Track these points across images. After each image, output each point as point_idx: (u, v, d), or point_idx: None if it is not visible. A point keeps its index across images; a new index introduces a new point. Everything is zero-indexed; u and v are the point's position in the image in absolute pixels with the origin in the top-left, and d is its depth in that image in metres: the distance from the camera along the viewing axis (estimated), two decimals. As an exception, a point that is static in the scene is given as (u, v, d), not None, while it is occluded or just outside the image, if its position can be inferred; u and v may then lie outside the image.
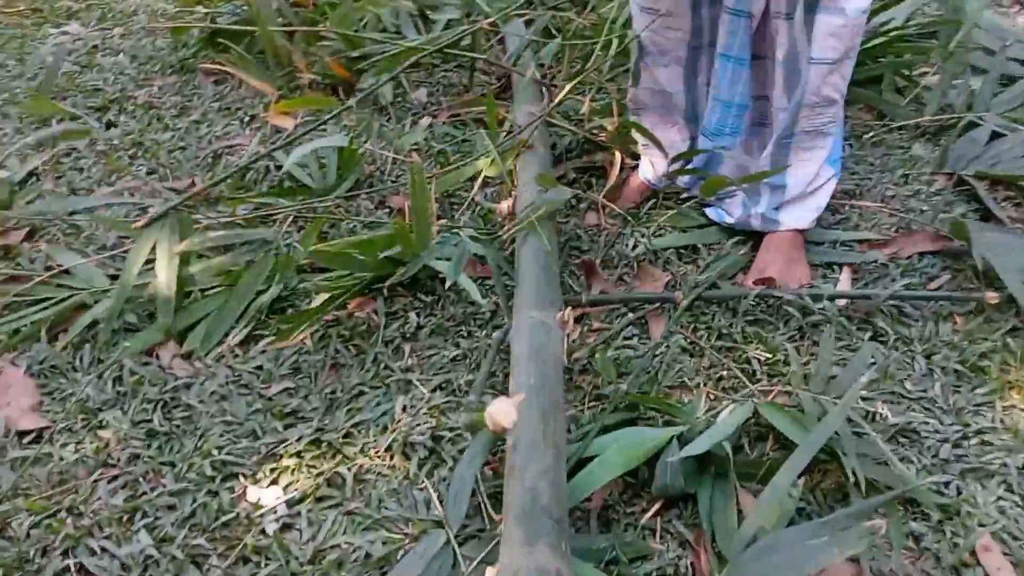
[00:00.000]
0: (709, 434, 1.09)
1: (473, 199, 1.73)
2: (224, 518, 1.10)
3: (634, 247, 1.62)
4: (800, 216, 1.55)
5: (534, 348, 1.12)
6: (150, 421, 1.25)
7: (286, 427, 1.23)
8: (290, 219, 1.66)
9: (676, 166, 1.64)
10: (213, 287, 1.46)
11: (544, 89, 1.96)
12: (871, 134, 1.94)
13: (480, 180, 1.74)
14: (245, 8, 2.36)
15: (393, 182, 1.82)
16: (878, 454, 1.13)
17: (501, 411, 1.00)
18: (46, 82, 2.23)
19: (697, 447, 1.06)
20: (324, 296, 1.41)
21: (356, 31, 2.23)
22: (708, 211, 1.67)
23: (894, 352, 1.36)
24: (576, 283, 1.52)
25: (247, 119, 2.11)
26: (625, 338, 1.39)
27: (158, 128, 2.07)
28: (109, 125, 2.10)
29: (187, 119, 2.10)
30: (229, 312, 1.38)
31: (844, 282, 1.51)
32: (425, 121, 2.02)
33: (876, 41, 2.05)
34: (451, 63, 2.36)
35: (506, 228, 1.53)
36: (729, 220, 1.61)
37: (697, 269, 1.55)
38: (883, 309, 1.43)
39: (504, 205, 1.54)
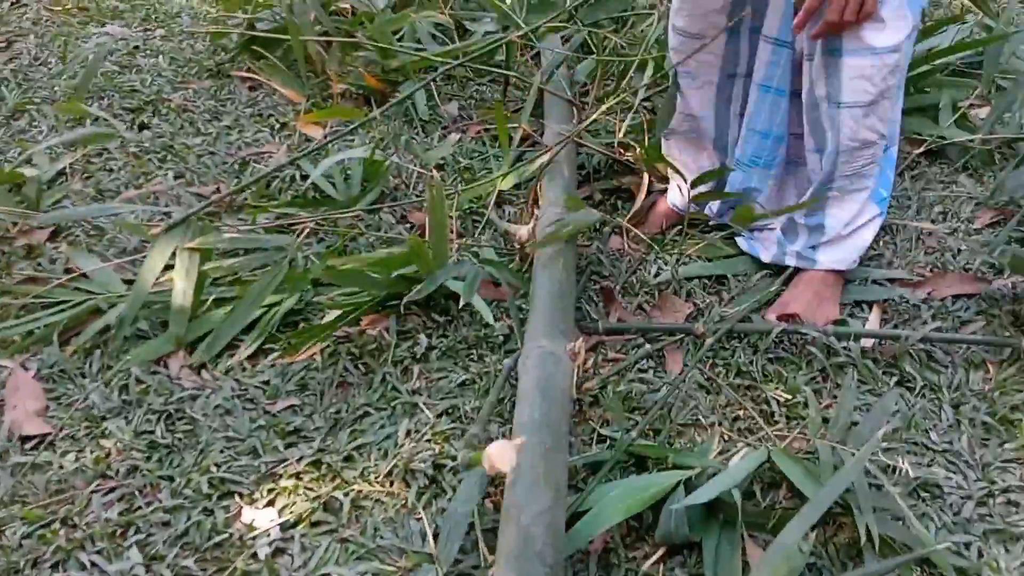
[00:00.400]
0: (718, 480, 1.04)
1: (488, 217, 1.70)
2: (217, 538, 1.08)
3: (656, 274, 1.58)
4: (840, 258, 1.49)
5: (541, 380, 1.09)
6: (152, 432, 1.24)
7: (287, 446, 1.21)
8: (308, 230, 1.65)
9: (703, 188, 1.59)
10: (225, 297, 1.45)
11: (575, 108, 1.93)
12: (912, 168, 1.87)
13: (494, 196, 1.72)
14: (284, 15, 2.37)
15: (417, 196, 1.80)
16: (896, 509, 1.08)
17: (500, 454, 0.97)
18: (83, 82, 2.25)
19: (704, 494, 1.02)
20: (336, 312, 1.40)
21: (391, 43, 2.22)
22: (740, 241, 1.62)
23: (920, 400, 1.30)
24: (594, 310, 1.48)
25: (278, 127, 2.11)
26: (640, 370, 1.35)
27: (190, 132, 2.08)
28: (142, 127, 2.11)
29: (219, 124, 2.11)
30: (236, 320, 1.37)
31: (873, 322, 1.45)
32: (454, 136, 2.00)
33: (921, 69, 1.99)
34: (484, 77, 2.34)
35: (525, 246, 1.49)
36: (764, 257, 1.56)
37: (721, 301, 1.51)
38: (912, 353, 1.37)
39: (523, 230, 1.51)
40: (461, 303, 1.33)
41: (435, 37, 2.34)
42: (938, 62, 2.02)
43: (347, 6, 2.49)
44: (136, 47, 2.55)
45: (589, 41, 2.24)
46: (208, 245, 1.42)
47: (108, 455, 1.20)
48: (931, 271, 1.58)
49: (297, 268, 1.51)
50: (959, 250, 1.64)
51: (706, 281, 1.57)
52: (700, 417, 1.27)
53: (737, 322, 1.39)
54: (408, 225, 1.72)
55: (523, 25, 2.09)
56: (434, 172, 1.33)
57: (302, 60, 2.21)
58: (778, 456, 1.09)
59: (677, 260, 1.60)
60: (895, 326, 1.45)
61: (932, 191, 1.82)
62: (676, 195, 1.68)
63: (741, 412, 1.28)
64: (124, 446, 1.21)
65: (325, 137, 1.99)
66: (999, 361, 1.37)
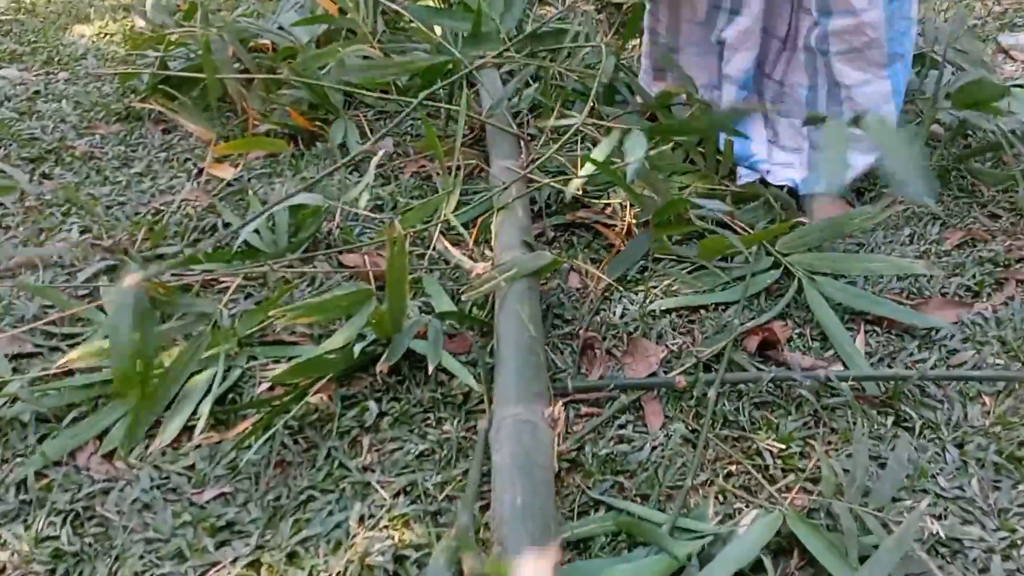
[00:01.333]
0: (733, 551, 0.91)
1: (434, 248, 1.56)
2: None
3: (622, 315, 1.45)
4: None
5: (519, 456, 0.95)
6: (57, 538, 1.04)
7: (219, 545, 1.03)
8: (235, 286, 1.48)
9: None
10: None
11: (522, 141, 1.81)
12: (870, 190, 1.80)
13: (439, 227, 1.58)
14: (199, 52, 2.20)
15: (346, 241, 1.64)
16: (921, 569, 0.96)
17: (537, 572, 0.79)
18: (-25, 131, 2.05)
19: (722, 570, 0.88)
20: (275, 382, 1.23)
21: (318, 78, 2.07)
22: (743, 172, 1.72)
23: (921, 440, 1.20)
24: (560, 358, 1.35)
25: (195, 171, 1.93)
26: (619, 425, 1.22)
27: (96, 181, 1.88)
28: (44, 178, 1.91)
29: (129, 171, 1.92)
30: (157, 401, 1.19)
31: (859, 349, 1.35)
32: (375, 159, 1.82)
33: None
34: (419, 110, 2.21)
35: (471, 290, 1.34)
36: (798, 180, 1.69)
37: (694, 341, 1.39)
38: (904, 389, 1.27)
39: (480, 266, 1.37)
40: (430, 368, 1.18)
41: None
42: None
43: (267, 42, 2.33)
44: (37, 92, 2.34)
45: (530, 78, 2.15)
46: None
47: (3, 570, 1.01)
48: (907, 296, 1.49)
49: (222, 330, 1.33)
50: (930, 276, 1.56)
51: (676, 319, 1.45)
52: (690, 477, 1.13)
53: (724, 372, 1.27)
54: (346, 273, 1.56)
55: (461, 57, 1.97)
56: (395, 221, 1.18)
57: (215, 100, 2.04)
58: (794, 522, 0.97)
59: (645, 299, 1.48)
60: (881, 359, 1.35)
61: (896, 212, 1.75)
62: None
63: (733, 467, 1.16)
64: (22, 557, 1.02)
65: (238, 178, 1.83)
66: (995, 393, 1.28)
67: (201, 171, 1.91)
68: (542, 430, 1.01)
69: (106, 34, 2.83)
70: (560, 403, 1.10)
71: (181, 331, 1.30)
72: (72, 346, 1.37)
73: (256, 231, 1.60)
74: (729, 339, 1.33)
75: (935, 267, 1.49)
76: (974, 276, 1.53)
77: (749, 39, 1.69)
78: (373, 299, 1.34)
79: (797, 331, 1.42)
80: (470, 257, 1.54)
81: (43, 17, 2.97)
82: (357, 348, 1.22)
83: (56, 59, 2.61)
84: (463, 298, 1.35)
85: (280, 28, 2.33)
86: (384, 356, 1.20)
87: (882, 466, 1.13)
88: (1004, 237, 1.65)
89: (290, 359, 1.32)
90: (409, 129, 2.12)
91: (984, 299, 1.49)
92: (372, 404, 1.22)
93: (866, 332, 1.40)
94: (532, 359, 1.11)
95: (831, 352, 1.36)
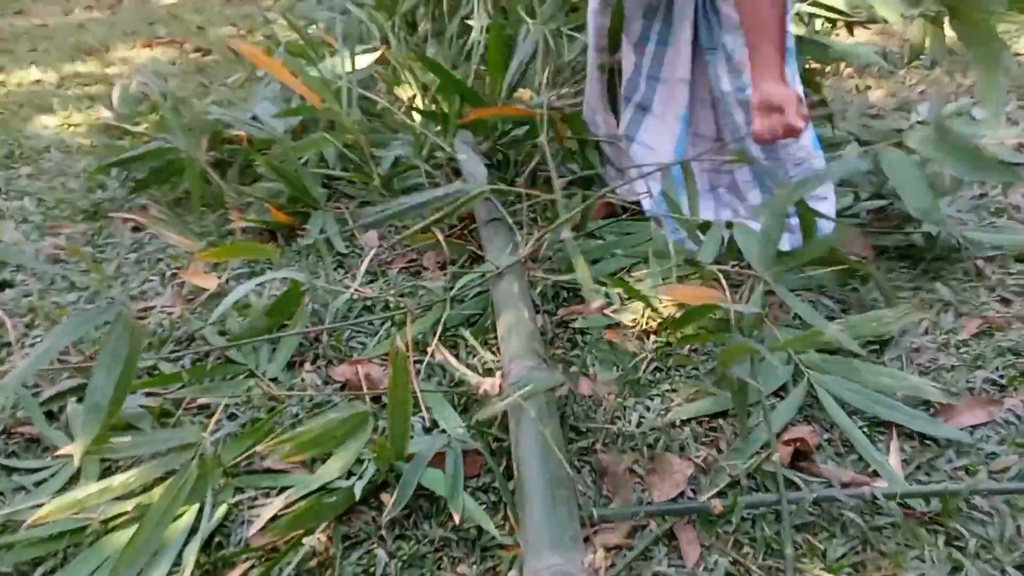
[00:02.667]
0: None
1: (432, 354, 1.46)
2: None
3: (639, 423, 1.36)
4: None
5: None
6: None
7: None
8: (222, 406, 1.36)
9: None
10: (118, 516, 1.13)
11: (512, 229, 1.73)
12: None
13: (439, 334, 1.48)
14: (169, 140, 2.10)
15: (336, 349, 1.54)
16: None
17: None
18: (-71, 236, 1.92)
19: None
20: (266, 524, 1.10)
21: (298, 170, 1.99)
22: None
23: (977, 562, 1.11)
24: (578, 478, 1.24)
25: (169, 274, 1.82)
26: (651, 557, 1.11)
27: (62, 288, 1.76)
28: (4, 285, 1.79)
29: (97, 276, 1.80)
30: (135, 554, 1.05)
31: (894, 461, 1.26)
32: (365, 261, 1.72)
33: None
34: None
35: (484, 409, 1.24)
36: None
37: (720, 454, 1.29)
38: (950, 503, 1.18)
39: (487, 383, 1.27)
40: (456, 518, 1.08)
41: (342, 163, 2.13)
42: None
43: (241, 133, 2.25)
44: (-3, 189, 2.23)
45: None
46: (92, 452, 1.11)
47: None
48: (932, 394, 1.42)
49: (207, 460, 1.21)
50: (952, 367, 1.49)
51: (696, 427, 1.36)
52: (737, 618, 1.02)
53: (761, 493, 1.17)
54: (337, 385, 1.45)
55: (449, 151, 1.90)
56: (398, 340, 1.07)
57: (197, 206, 1.94)
58: None
59: (661, 405, 1.38)
60: (918, 467, 1.26)
61: (904, 299, 1.69)
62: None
63: (783, 604, 1.05)
64: None
65: (228, 281, 1.72)
66: (1046, 502, 1.20)
67: (175, 275, 1.80)
68: (585, 586, 0.89)
69: (70, 125, 2.73)
70: (601, 551, 0.99)
71: (164, 467, 1.17)
72: (39, 484, 1.23)
73: (238, 348, 1.48)
74: (761, 458, 1.23)
75: (947, 393, 1.41)
76: (997, 368, 1.47)
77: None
78: (370, 421, 1.23)
79: (825, 436, 1.33)
80: (468, 366, 1.44)
81: (3, 107, 2.87)
82: (358, 487, 1.11)
83: (18, 152, 2.51)
84: (475, 419, 1.24)
85: (254, 118, 2.26)
86: (393, 501, 1.08)
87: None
88: (1020, 324, 1.59)
89: (281, 490, 1.20)
90: (394, 220, 2.04)
91: (1013, 394, 1.42)
92: (381, 554, 1.09)
93: (898, 436, 1.32)
94: (563, 494, 0.99)
95: (863, 463, 1.27)
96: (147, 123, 2.53)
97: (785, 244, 1.68)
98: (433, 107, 2.20)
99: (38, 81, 3.29)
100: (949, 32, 2.96)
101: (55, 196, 2.17)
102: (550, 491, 0.99)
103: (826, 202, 1.74)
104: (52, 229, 2.01)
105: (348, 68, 2.15)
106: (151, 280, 1.79)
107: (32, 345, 1.56)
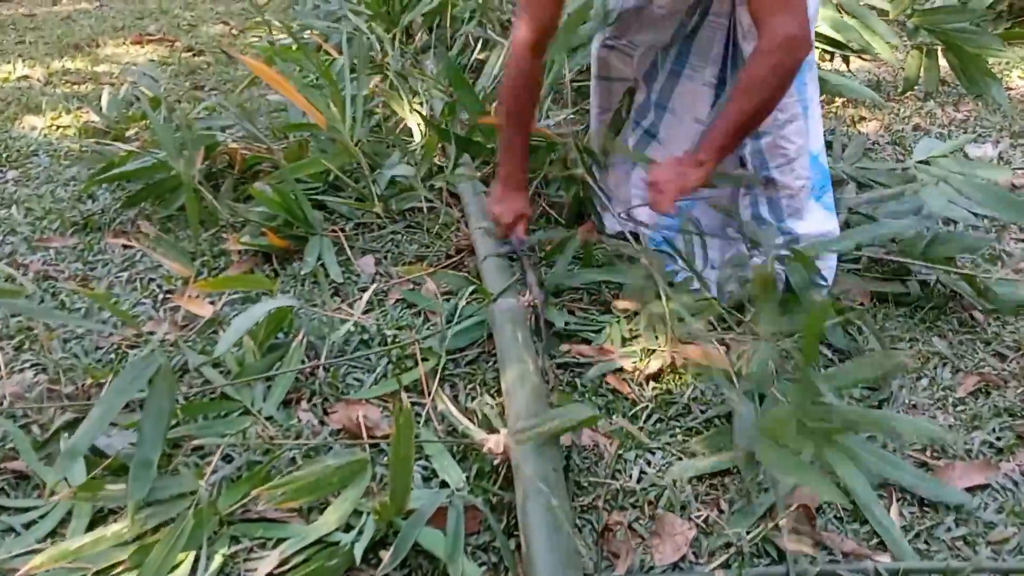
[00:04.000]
0: None
1: (433, 401, 1.44)
2: None
3: (639, 478, 1.35)
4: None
5: None
6: None
7: None
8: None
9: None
10: (114, 567, 1.10)
11: (514, 262, 1.72)
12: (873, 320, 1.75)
13: (436, 382, 1.47)
14: (160, 152, 2.06)
15: (333, 386, 1.52)
16: None
17: None
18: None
19: None
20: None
21: (295, 190, 1.96)
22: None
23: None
24: (579, 538, 1.23)
25: (161, 296, 1.78)
26: (654, 626, 1.10)
27: (52, 307, 1.72)
28: (-10, 304, 1.74)
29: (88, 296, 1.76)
30: (134, 615, 1.03)
31: (895, 529, 1.27)
32: (366, 295, 1.70)
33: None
34: (400, 224, 2.11)
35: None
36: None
37: (722, 514, 1.29)
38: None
39: (492, 440, 1.25)
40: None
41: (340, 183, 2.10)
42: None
43: (235, 146, 2.22)
44: (-17, 195, 2.18)
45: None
46: (85, 502, 1.08)
47: None
48: (931, 454, 1.42)
49: (203, 509, 1.18)
50: (949, 426, 1.50)
51: (698, 486, 1.35)
52: None
53: (761, 556, 1.17)
54: (336, 431, 1.43)
55: (452, 179, 1.89)
56: (402, 396, 1.06)
57: (196, 230, 1.90)
58: None
59: (662, 460, 1.38)
60: (917, 535, 1.27)
61: (901, 351, 1.70)
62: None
63: None
64: None
65: (222, 308, 1.69)
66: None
67: (168, 298, 1.77)
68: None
69: (59, 127, 2.68)
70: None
71: (159, 517, 1.15)
72: (28, 526, 1.20)
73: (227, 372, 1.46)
74: (767, 529, 1.23)
75: (956, 433, 1.42)
76: (994, 431, 1.48)
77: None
78: (368, 468, 1.21)
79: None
80: (468, 410, 1.42)
81: (-11, 107, 2.81)
82: (358, 549, 1.09)
83: (4, 155, 2.45)
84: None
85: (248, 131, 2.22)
86: (387, 558, 1.06)
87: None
88: (1016, 383, 1.60)
89: (277, 542, 1.18)
90: (391, 246, 2.01)
91: (1010, 458, 1.43)
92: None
93: (897, 500, 1.32)
94: (568, 559, 0.98)
95: (866, 527, 1.27)
96: (138, 128, 2.49)
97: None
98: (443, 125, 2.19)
99: (25, 77, 3.22)
100: (943, 63, 3.02)
101: (43, 206, 2.12)
102: (555, 557, 0.98)
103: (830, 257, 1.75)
104: (41, 242, 1.96)
105: (357, 91, 2.12)
106: (143, 302, 1.75)
107: (21, 370, 1.52)
